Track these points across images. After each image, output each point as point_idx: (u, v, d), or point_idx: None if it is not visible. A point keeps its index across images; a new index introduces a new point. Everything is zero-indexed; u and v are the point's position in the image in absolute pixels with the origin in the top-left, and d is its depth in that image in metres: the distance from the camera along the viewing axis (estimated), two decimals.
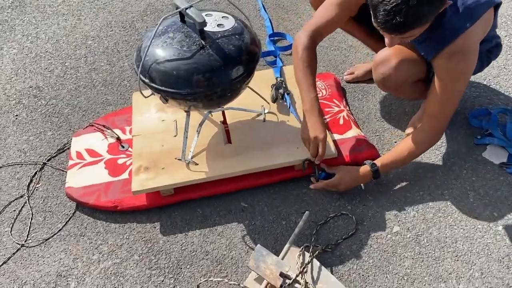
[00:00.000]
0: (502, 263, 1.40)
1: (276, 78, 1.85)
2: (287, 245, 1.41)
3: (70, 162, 1.72)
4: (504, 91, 1.93)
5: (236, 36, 1.40)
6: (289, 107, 1.74)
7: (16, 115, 2.03)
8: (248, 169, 1.57)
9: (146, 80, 1.39)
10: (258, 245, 1.36)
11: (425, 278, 1.38)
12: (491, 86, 1.96)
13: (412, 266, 1.41)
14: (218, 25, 1.42)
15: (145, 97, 1.45)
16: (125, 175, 1.66)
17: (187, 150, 1.59)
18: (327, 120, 1.77)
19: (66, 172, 1.74)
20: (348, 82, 2.05)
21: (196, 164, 1.58)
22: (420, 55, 1.50)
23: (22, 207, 1.65)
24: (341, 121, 1.79)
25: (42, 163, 1.80)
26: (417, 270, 1.40)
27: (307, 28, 1.56)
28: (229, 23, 1.44)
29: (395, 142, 1.77)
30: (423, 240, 1.47)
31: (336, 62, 2.17)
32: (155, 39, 1.39)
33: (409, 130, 1.76)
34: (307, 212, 1.49)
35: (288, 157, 1.58)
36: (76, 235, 1.56)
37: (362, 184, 1.62)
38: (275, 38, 2.29)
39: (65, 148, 1.85)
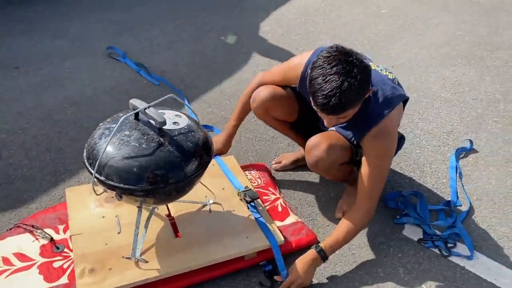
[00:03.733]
0: None
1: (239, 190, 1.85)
2: None
3: None
4: (407, 175, 2.23)
5: (192, 133, 1.47)
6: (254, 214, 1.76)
7: None
8: (200, 263, 1.56)
9: (102, 178, 1.37)
10: None
11: None
12: (396, 170, 2.26)
13: None
14: (174, 123, 1.49)
15: (97, 194, 1.42)
16: (63, 280, 1.53)
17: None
18: (267, 207, 1.86)
19: None
20: (277, 170, 2.20)
21: (146, 261, 1.53)
22: (346, 139, 1.74)
23: None
24: (279, 208, 1.90)
25: None
26: None
27: (264, 76, 1.91)
28: (183, 121, 1.51)
29: (328, 225, 1.92)
30: None
31: (262, 152, 2.33)
32: (109, 137, 1.40)
33: (339, 213, 1.94)
34: None
35: (239, 248, 1.62)
36: None
37: None
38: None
39: None
